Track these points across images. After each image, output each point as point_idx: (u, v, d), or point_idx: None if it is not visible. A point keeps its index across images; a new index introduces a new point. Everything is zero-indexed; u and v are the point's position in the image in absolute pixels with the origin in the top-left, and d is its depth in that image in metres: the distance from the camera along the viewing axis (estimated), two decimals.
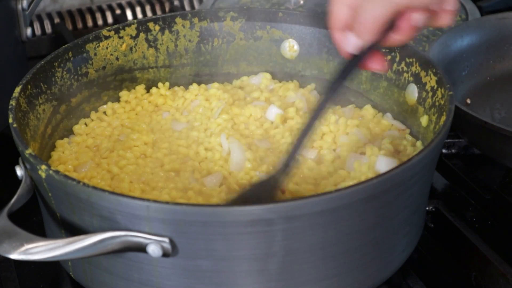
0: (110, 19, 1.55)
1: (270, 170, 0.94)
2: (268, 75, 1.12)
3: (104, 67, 1.07)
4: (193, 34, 1.11)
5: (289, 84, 1.11)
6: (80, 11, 1.54)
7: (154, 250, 0.78)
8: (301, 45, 1.11)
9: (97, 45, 1.06)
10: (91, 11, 1.55)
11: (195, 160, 0.98)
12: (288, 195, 0.92)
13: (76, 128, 1.04)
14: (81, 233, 0.80)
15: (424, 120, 0.98)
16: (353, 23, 0.87)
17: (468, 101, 1.19)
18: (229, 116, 1.04)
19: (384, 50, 1.05)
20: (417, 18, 0.86)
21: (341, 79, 0.89)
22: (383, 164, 0.94)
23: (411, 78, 1.01)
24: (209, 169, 0.96)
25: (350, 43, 0.89)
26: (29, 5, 1.21)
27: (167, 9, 1.57)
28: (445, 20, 0.87)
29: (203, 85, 1.11)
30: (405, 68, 1.02)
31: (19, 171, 0.87)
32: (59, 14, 1.54)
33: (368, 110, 1.06)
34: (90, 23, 1.54)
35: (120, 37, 1.08)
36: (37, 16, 1.52)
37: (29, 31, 1.22)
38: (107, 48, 1.07)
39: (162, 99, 1.09)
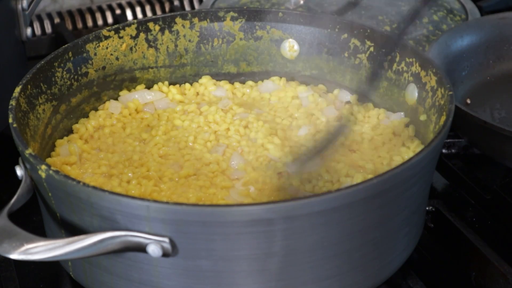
0: (110, 19, 1.54)
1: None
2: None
3: (104, 67, 1.07)
4: (193, 34, 1.11)
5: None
6: (80, 11, 1.54)
7: (154, 250, 0.78)
8: (301, 45, 1.11)
9: (97, 45, 1.06)
10: (91, 11, 1.55)
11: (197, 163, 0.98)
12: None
13: (76, 128, 1.04)
14: (81, 233, 0.80)
15: (422, 117, 0.98)
16: None
17: (468, 101, 1.19)
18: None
19: (383, 51, 1.05)
20: None
21: None
22: None
23: (411, 78, 1.01)
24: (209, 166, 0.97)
25: None
26: (29, 5, 1.21)
27: (167, 9, 1.57)
28: None
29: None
30: (405, 68, 1.02)
31: (19, 171, 0.87)
32: (59, 14, 1.53)
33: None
34: (90, 23, 1.54)
35: (120, 37, 1.08)
36: (37, 16, 1.52)
37: (29, 31, 1.22)
38: (107, 48, 1.07)
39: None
